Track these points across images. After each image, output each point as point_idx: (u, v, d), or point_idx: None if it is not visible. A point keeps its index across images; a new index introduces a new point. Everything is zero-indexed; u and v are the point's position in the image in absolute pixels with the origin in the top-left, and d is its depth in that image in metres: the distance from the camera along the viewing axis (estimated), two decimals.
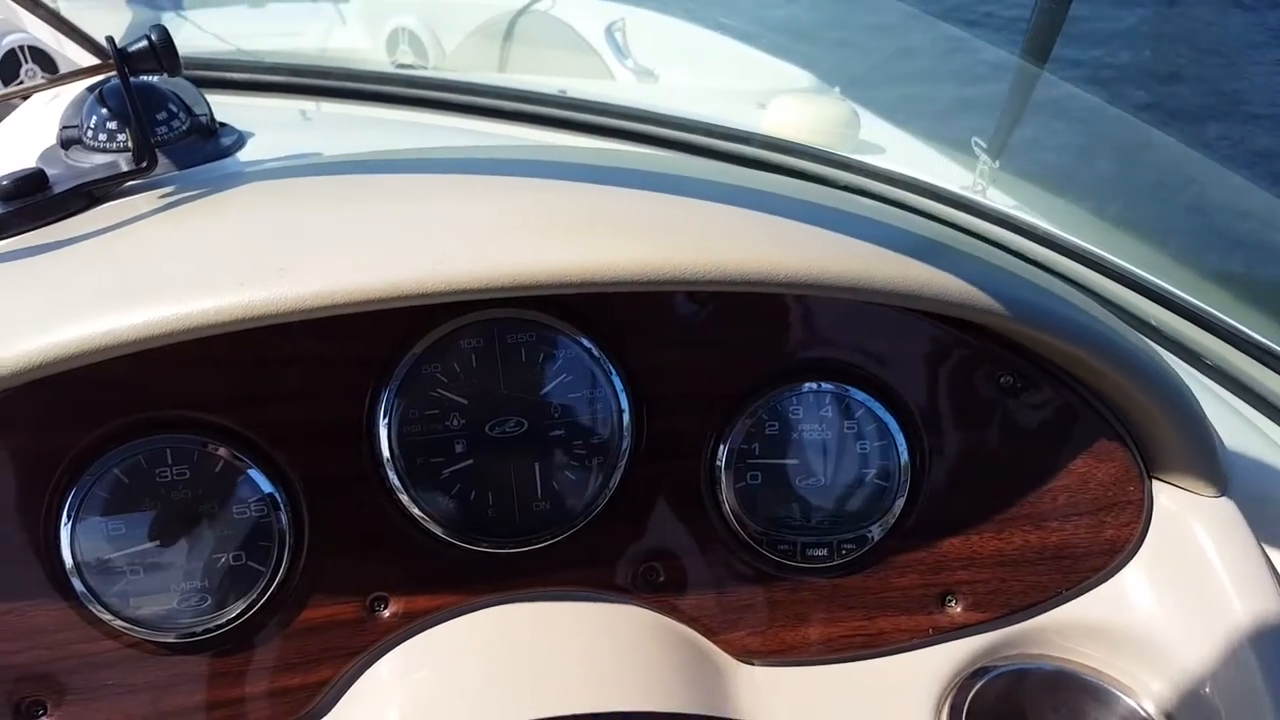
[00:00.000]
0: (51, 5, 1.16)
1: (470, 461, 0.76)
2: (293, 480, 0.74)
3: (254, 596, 0.74)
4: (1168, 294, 1.07)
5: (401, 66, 2.44)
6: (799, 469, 0.80)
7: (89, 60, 1.21)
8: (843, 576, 0.81)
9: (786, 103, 1.56)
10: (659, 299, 0.76)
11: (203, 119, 0.99)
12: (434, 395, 0.75)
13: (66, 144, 0.94)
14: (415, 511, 0.76)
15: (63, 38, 1.16)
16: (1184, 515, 0.81)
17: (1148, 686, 0.79)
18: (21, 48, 3.44)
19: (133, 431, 0.71)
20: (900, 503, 0.80)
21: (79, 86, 0.95)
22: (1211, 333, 1.03)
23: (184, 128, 0.95)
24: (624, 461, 0.78)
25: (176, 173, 0.91)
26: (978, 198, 1.24)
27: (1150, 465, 0.82)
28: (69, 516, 0.70)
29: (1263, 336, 1.01)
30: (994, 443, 0.80)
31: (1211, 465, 0.80)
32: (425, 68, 2.52)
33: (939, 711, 0.78)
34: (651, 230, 0.70)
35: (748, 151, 1.29)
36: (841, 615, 0.81)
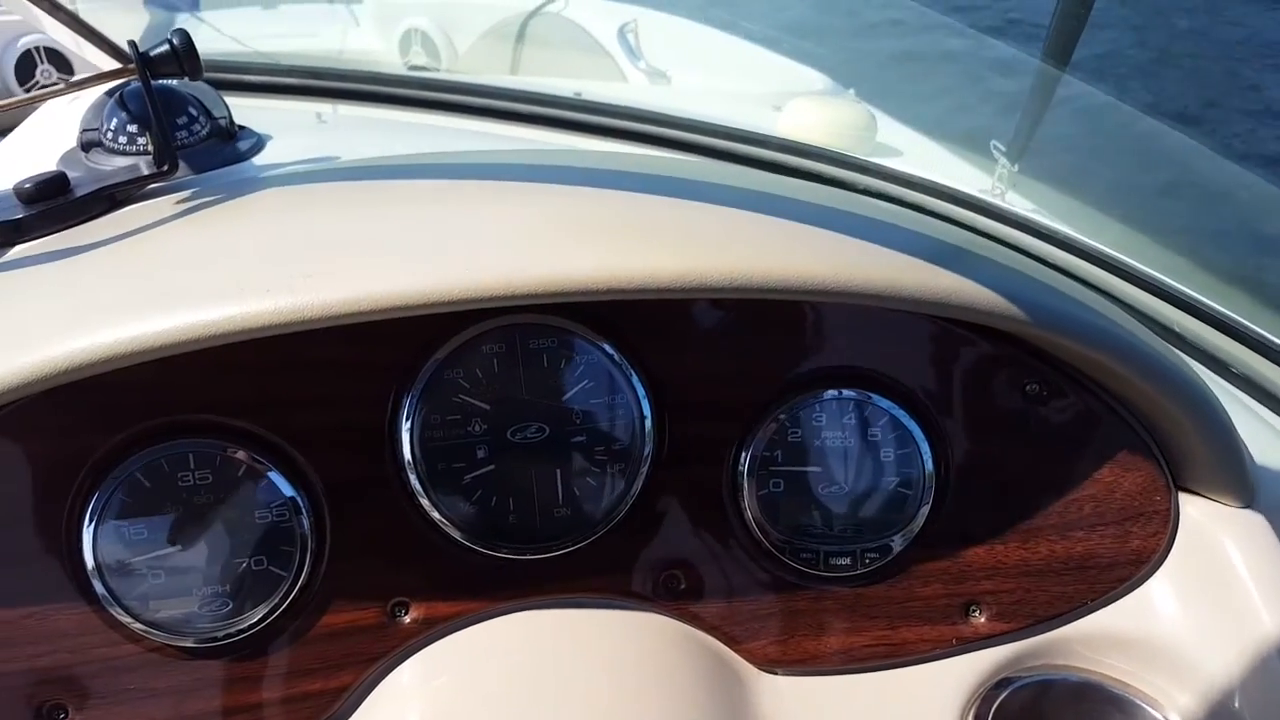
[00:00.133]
0: (70, 7, 1.16)
1: (491, 467, 0.76)
2: (314, 485, 0.74)
3: (275, 601, 0.74)
4: (1193, 300, 1.06)
5: (414, 68, 2.45)
6: (822, 477, 0.80)
7: (106, 61, 1.21)
8: (866, 586, 0.81)
9: (803, 105, 1.56)
10: (681, 305, 0.76)
11: (222, 122, 0.99)
12: (456, 400, 0.74)
13: (87, 146, 0.94)
14: (436, 517, 0.76)
15: (80, 39, 1.16)
16: (1211, 526, 0.80)
17: (1174, 699, 0.78)
18: (37, 48, 3.47)
19: (155, 435, 0.71)
20: (924, 511, 0.79)
21: (98, 90, 0.95)
22: (1238, 340, 1.02)
23: (204, 132, 0.95)
24: (645, 468, 0.77)
25: (197, 176, 0.91)
26: (997, 201, 1.23)
27: (1177, 475, 0.81)
28: (91, 520, 0.70)
29: None
30: (1019, 451, 0.80)
31: (1239, 475, 0.79)
32: (438, 69, 2.52)
33: None
34: (680, 237, 0.70)
35: (765, 154, 1.29)
36: (864, 625, 0.80)
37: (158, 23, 1.75)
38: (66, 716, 0.72)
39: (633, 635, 0.79)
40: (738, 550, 0.80)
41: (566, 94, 1.48)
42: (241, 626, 0.73)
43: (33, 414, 0.68)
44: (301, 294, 0.61)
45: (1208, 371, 1.00)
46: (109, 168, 0.90)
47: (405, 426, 0.74)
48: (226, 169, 0.94)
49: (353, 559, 0.75)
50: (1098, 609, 0.81)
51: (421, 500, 0.75)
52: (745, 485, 0.79)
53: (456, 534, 0.76)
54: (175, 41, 0.82)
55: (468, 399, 0.74)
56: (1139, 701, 0.78)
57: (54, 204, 0.82)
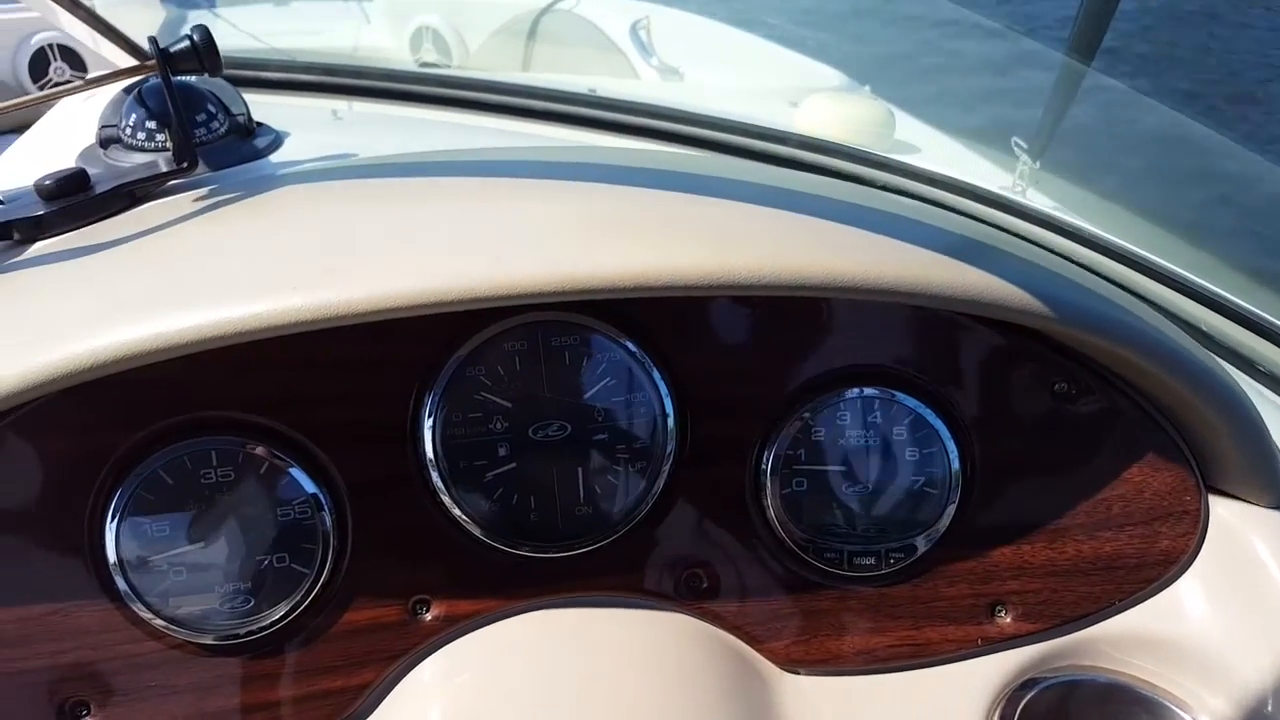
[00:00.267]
0: (87, 3, 1.16)
1: (513, 465, 0.75)
2: (336, 482, 0.74)
3: (297, 598, 0.73)
4: (1220, 298, 1.04)
5: (425, 65, 2.44)
6: (846, 476, 0.79)
7: (121, 58, 1.21)
8: (890, 586, 0.80)
9: (820, 102, 1.54)
10: (704, 302, 0.75)
11: (240, 119, 0.99)
12: (478, 398, 0.74)
13: (105, 143, 0.94)
14: (457, 514, 0.75)
15: (97, 35, 1.15)
16: (1241, 526, 0.79)
17: (1204, 701, 0.77)
18: (51, 46, 3.48)
19: (178, 433, 0.71)
20: (950, 511, 0.78)
21: (115, 87, 0.95)
22: (1265, 337, 1.00)
23: (223, 129, 0.95)
24: (667, 466, 0.77)
25: (216, 173, 0.91)
26: (1018, 198, 1.21)
27: (1207, 475, 0.80)
28: (114, 517, 0.70)
29: None
30: (1047, 450, 0.79)
31: (1270, 475, 0.78)
32: (449, 66, 2.51)
33: None
34: (707, 234, 0.69)
35: (784, 151, 1.28)
36: (889, 625, 0.80)
37: (171, 19, 1.75)
38: (88, 713, 0.72)
39: (654, 634, 0.78)
40: (760, 549, 0.80)
41: (582, 90, 1.47)
42: (263, 623, 0.73)
43: (55, 411, 0.68)
44: (328, 291, 0.61)
45: (1234, 369, 0.98)
46: (127, 164, 0.89)
47: (427, 424, 0.73)
48: (245, 166, 0.94)
49: (374, 556, 0.75)
50: (1125, 609, 0.80)
51: (443, 498, 0.75)
52: (768, 484, 0.78)
53: (478, 532, 0.76)
54: (195, 37, 0.81)
55: (490, 396, 0.74)
56: (1167, 703, 0.77)
57: (74, 200, 0.82)
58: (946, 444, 0.77)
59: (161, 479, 0.70)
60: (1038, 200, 1.22)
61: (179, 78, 0.85)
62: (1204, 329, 1.03)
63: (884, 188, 1.22)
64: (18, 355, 0.62)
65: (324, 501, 0.73)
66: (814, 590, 0.80)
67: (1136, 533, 0.79)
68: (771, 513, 0.78)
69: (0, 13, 3.34)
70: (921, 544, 0.79)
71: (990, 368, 0.78)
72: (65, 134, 1.18)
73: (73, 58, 3.38)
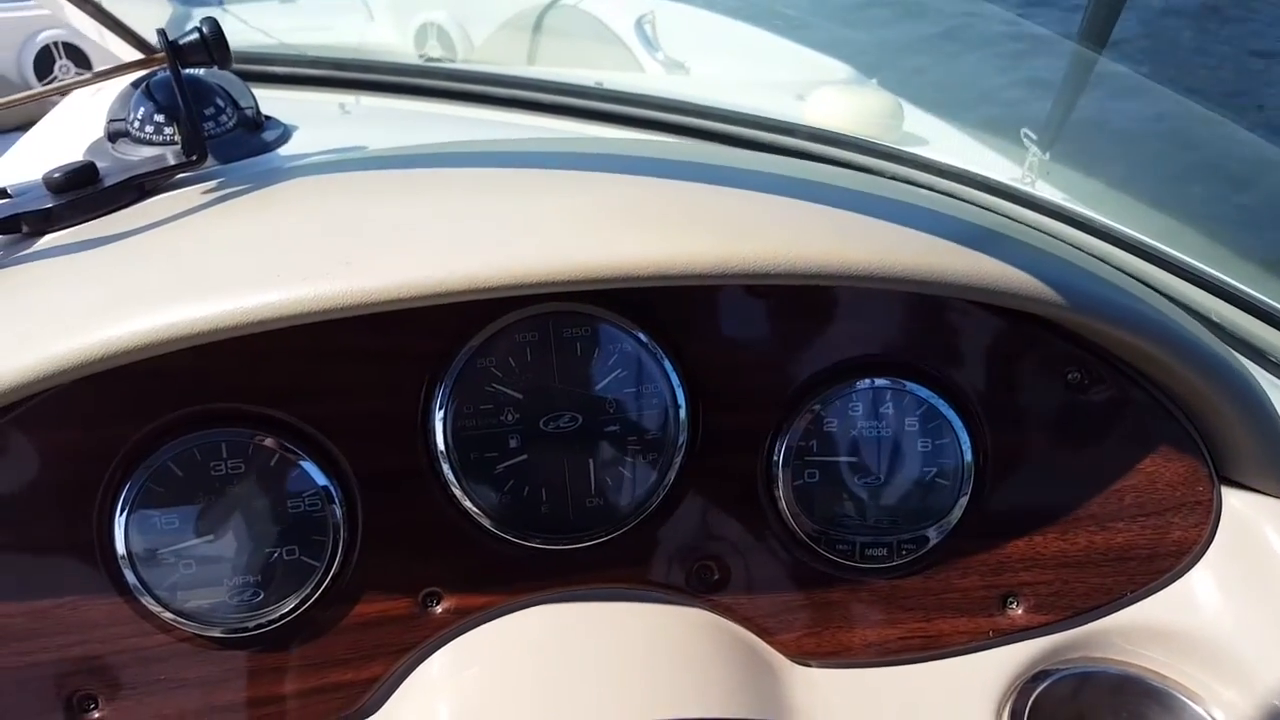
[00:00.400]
0: None
1: (524, 457, 0.75)
2: (346, 474, 0.74)
3: (306, 591, 0.73)
4: (1231, 288, 1.04)
5: (430, 60, 2.44)
6: (858, 467, 0.78)
7: (128, 53, 1.21)
8: (902, 577, 0.80)
9: (828, 94, 1.53)
10: (716, 293, 0.75)
11: (249, 112, 0.99)
12: (488, 390, 0.74)
13: (114, 137, 0.94)
14: (468, 506, 0.75)
15: (105, 31, 1.15)
16: (1254, 516, 0.78)
17: (1216, 693, 0.77)
18: (56, 44, 3.48)
19: (187, 424, 0.71)
20: (963, 502, 0.78)
21: (123, 80, 0.95)
22: (1277, 327, 1.00)
23: (231, 122, 0.95)
24: (679, 458, 0.77)
25: (225, 166, 0.91)
26: (1028, 189, 1.21)
27: (1220, 465, 0.79)
28: (123, 509, 0.70)
29: None
30: (1059, 441, 0.78)
31: None
32: (454, 61, 2.51)
33: (999, 715, 0.76)
34: (720, 223, 0.69)
35: (793, 143, 1.27)
36: (900, 616, 0.79)
37: (178, 16, 1.75)
38: (96, 706, 0.72)
39: (665, 626, 0.78)
40: (772, 541, 0.79)
41: (589, 83, 1.47)
42: (272, 616, 0.73)
43: (65, 403, 0.68)
44: (342, 281, 0.61)
45: (1245, 359, 0.98)
46: (136, 158, 0.89)
47: (438, 416, 0.73)
48: (254, 159, 0.94)
49: (385, 549, 0.75)
50: (1138, 601, 0.80)
51: (454, 490, 0.75)
52: (780, 475, 0.78)
53: (488, 524, 0.76)
54: (204, 30, 0.81)
55: (500, 388, 0.74)
56: (1179, 695, 0.77)
57: (83, 193, 0.82)
58: (959, 434, 0.77)
59: (171, 471, 0.70)
60: (1046, 191, 1.21)
61: (187, 71, 0.85)
62: (1215, 319, 1.02)
63: (893, 179, 1.22)
64: (28, 346, 0.62)
65: (334, 494, 0.73)
66: (825, 582, 0.80)
67: (1149, 523, 0.79)
68: (783, 504, 0.78)
69: (5, 10, 3.34)
70: (933, 535, 0.79)
71: (1002, 357, 0.77)
72: (73, 128, 1.18)
73: (78, 55, 3.39)
